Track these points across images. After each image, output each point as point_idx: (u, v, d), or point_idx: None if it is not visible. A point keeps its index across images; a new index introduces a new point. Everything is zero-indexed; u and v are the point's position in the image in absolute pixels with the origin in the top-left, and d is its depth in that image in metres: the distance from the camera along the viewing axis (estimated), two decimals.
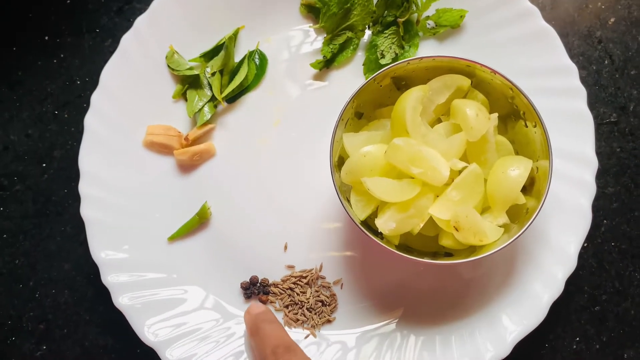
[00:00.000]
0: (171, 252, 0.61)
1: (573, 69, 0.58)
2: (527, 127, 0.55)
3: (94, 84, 0.64)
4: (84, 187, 0.60)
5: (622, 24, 0.62)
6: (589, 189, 0.56)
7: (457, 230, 0.52)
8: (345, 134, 0.56)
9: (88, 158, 0.61)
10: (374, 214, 0.55)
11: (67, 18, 0.69)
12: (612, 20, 0.63)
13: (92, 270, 0.62)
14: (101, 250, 0.59)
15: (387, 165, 0.54)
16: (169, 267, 0.60)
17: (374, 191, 0.53)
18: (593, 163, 0.56)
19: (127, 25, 0.67)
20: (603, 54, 0.62)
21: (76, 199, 0.63)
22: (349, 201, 0.56)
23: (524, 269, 0.56)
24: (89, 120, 0.61)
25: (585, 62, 0.59)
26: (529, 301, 0.55)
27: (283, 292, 0.59)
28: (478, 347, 0.54)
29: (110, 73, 0.62)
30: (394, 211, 0.53)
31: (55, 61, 0.68)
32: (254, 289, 0.60)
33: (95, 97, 0.62)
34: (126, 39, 0.63)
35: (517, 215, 0.54)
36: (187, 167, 0.63)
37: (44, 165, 0.66)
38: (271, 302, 0.60)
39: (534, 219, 0.51)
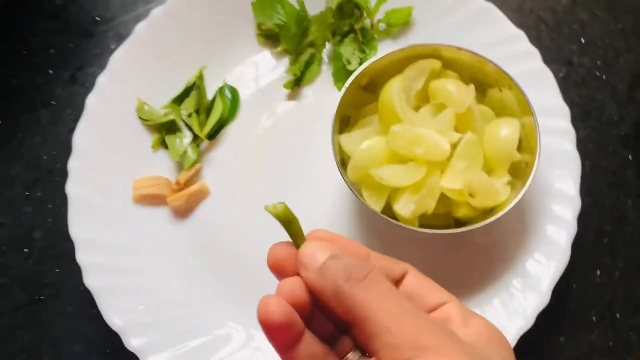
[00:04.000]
0: (192, 299, 0.59)
1: (521, 35, 0.63)
2: (501, 91, 0.59)
3: (62, 155, 0.62)
4: (82, 257, 0.57)
5: None
6: (570, 134, 0.60)
7: (472, 196, 0.55)
8: (341, 136, 0.58)
9: (79, 226, 0.58)
10: (385, 209, 0.56)
11: (17, 98, 0.67)
12: None
13: (106, 344, 0.59)
14: (117, 316, 0.56)
15: (389, 154, 0.56)
16: (195, 314, 0.58)
17: (386, 179, 0.54)
18: (565, 110, 0.61)
19: (84, 90, 0.66)
20: (537, 21, 0.68)
21: (70, 275, 0.60)
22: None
23: (534, 219, 0.59)
24: (71, 188, 0.59)
25: (525, 30, 0.65)
26: (549, 246, 0.58)
27: None
28: (519, 300, 0.56)
29: (82, 138, 0.61)
30: (408, 194, 0.55)
31: (14, 143, 0.65)
32: None
33: (73, 164, 0.60)
34: (91, 101, 0.62)
35: (516, 173, 0.57)
36: (183, 212, 0.61)
37: (26, 250, 0.62)
38: None
39: (536, 168, 0.54)
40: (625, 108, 0.66)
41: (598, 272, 0.61)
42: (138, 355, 0.55)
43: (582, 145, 0.60)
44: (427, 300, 0.39)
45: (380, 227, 0.61)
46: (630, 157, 0.64)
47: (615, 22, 0.68)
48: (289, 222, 0.40)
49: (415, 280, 0.40)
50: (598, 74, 0.67)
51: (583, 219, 0.58)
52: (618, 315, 0.60)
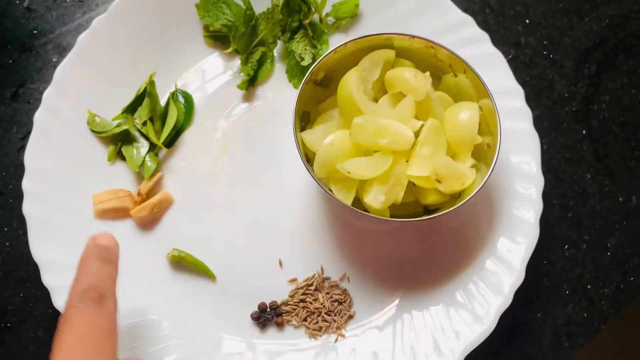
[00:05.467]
0: (173, 313, 0.57)
1: (469, 20, 0.64)
2: (456, 76, 0.59)
3: (12, 176, 0.60)
4: (49, 279, 0.55)
5: None
6: (526, 113, 0.61)
7: (439, 182, 0.55)
8: (303, 132, 0.57)
9: (41, 248, 0.56)
10: (354, 203, 0.56)
11: None
12: None
13: None
14: None
15: (354, 147, 0.56)
16: (176, 329, 0.57)
17: (354, 172, 0.54)
18: (518, 90, 0.62)
19: (29, 107, 0.64)
20: (482, 6, 0.69)
21: (36, 299, 0.58)
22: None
23: (501, 200, 0.60)
24: (28, 209, 0.57)
25: (472, 15, 0.66)
26: (519, 225, 0.59)
27: (296, 306, 0.58)
28: (495, 278, 0.57)
29: (34, 156, 0.58)
30: (377, 185, 0.55)
31: None
32: (267, 315, 0.57)
33: (27, 184, 0.57)
34: (39, 117, 0.59)
35: (479, 155, 0.58)
36: (148, 223, 0.60)
37: None
38: (287, 321, 0.58)
39: (499, 149, 0.55)
40: (575, 85, 0.67)
41: (566, 247, 0.62)
42: None
43: (537, 124, 0.61)
44: None
45: (351, 220, 0.61)
46: (584, 131, 0.66)
47: (556, 2, 0.70)
48: None
49: None
50: (545, 53, 0.68)
51: (546, 196, 0.59)
52: (589, 287, 0.61)
